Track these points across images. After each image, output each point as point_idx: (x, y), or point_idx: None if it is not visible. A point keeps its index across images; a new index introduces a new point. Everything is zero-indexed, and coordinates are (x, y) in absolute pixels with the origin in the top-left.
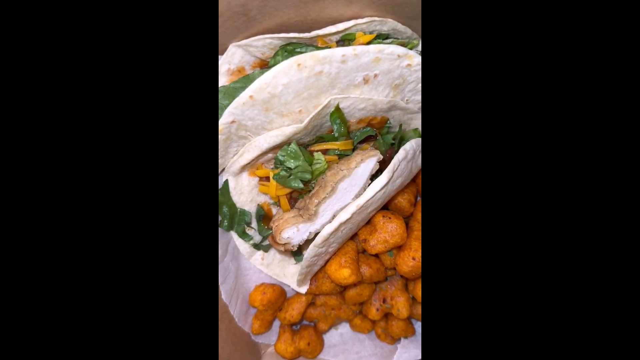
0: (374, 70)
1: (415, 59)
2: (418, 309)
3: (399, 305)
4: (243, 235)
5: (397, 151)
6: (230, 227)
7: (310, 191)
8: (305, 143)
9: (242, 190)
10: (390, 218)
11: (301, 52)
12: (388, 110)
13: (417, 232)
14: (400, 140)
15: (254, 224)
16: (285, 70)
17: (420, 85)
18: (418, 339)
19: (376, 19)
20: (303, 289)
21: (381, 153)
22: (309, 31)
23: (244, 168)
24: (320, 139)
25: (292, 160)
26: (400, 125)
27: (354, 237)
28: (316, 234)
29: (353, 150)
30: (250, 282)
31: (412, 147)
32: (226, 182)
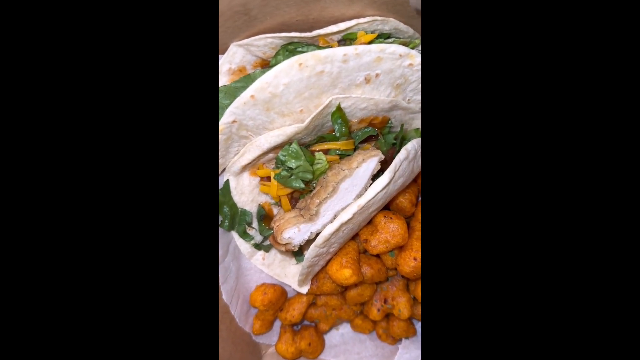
0: (375, 70)
1: (417, 58)
2: (419, 310)
3: (400, 305)
4: (244, 235)
5: (398, 151)
6: (231, 227)
7: (311, 191)
8: (307, 143)
9: (243, 190)
10: (391, 218)
11: (302, 52)
12: (389, 110)
13: (418, 232)
14: (402, 140)
15: (255, 224)
16: (287, 69)
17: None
18: (419, 340)
19: (378, 18)
20: (304, 289)
21: (382, 153)
22: (311, 30)
23: (245, 168)
24: (321, 139)
25: (293, 160)
26: (402, 125)
27: (355, 237)
28: (317, 234)
29: (354, 150)
30: (251, 282)
31: (413, 147)
32: (227, 182)
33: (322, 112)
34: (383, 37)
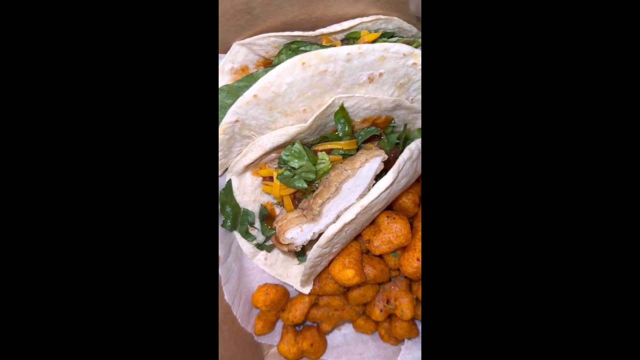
0: (379, 69)
1: (420, 57)
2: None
3: (402, 306)
4: (246, 235)
5: (401, 151)
6: (233, 227)
7: (314, 191)
8: (309, 143)
9: (246, 190)
10: (394, 218)
11: (305, 51)
12: (393, 110)
13: (421, 232)
14: (405, 140)
15: (257, 224)
16: (290, 69)
17: None
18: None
19: (381, 17)
20: (306, 290)
21: (386, 153)
22: (314, 29)
23: (247, 168)
24: (324, 139)
25: (296, 160)
26: (405, 125)
27: (357, 237)
28: (320, 235)
29: (357, 150)
30: (253, 282)
31: (417, 147)
32: (229, 182)
33: (325, 111)
34: (386, 36)
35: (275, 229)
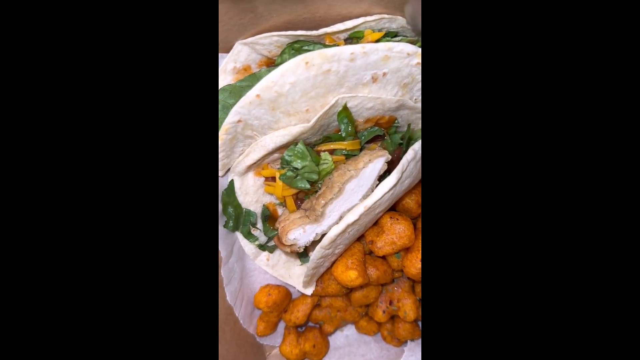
0: (382, 69)
1: None
2: None
3: (405, 307)
4: (248, 235)
5: (405, 151)
6: (235, 228)
7: (316, 192)
8: (312, 143)
9: (248, 190)
10: (398, 219)
11: (308, 50)
12: (396, 110)
13: (421, 233)
14: (409, 140)
15: (260, 224)
16: (293, 68)
17: None
18: None
19: (385, 16)
20: (309, 291)
21: (389, 153)
22: (317, 29)
23: (249, 168)
24: (327, 139)
25: (299, 160)
26: (409, 125)
27: (360, 238)
28: (323, 235)
29: (360, 150)
30: (255, 283)
31: (421, 147)
32: (232, 182)
33: (329, 111)
34: (390, 35)
35: (277, 230)
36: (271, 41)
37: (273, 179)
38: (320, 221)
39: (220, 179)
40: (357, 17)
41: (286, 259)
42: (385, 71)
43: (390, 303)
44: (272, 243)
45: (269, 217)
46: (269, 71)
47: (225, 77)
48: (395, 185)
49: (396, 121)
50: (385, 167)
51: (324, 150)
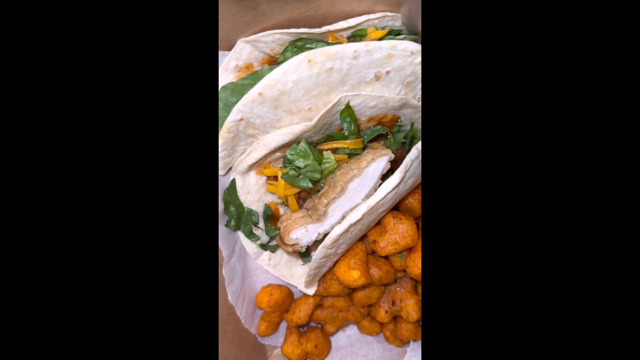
0: (386, 67)
1: None
2: None
3: (408, 307)
4: (250, 235)
5: (408, 150)
6: (237, 227)
7: (319, 191)
8: (315, 142)
9: (250, 189)
10: (401, 219)
11: (311, 48)
12: (399, 108)
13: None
14: (412, 139)
15: (262, 224)
16: (296, 66)
17: None
18: None
19: (388, 14)
20: (311, 291)
21: (392, 152)
22: (320, 26)
23: (251, 167)
24: (329, 138)
25: (301, 159)
26: (412, 124)
27: (363, 238)
28: (325, 235)
29: (363, 149)
30: (257, 283)
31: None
32: (233, 181)
33: (331, 110)
34: (393, 33)
35: (279, 229)
36: (273, 39)
37: (275, 178)
38: (322, 221)
39: (222, 178)
40: (360, 14)
41: (288, 258)
42: (389, 69)
43: (393, 303)
44: (274, 242)
45: (271, 217)
46: (272, 69)
47: (227, 75)
48: (398, 185)
49: (399, 120)
50: (388, 166)
51: (327, 149)
